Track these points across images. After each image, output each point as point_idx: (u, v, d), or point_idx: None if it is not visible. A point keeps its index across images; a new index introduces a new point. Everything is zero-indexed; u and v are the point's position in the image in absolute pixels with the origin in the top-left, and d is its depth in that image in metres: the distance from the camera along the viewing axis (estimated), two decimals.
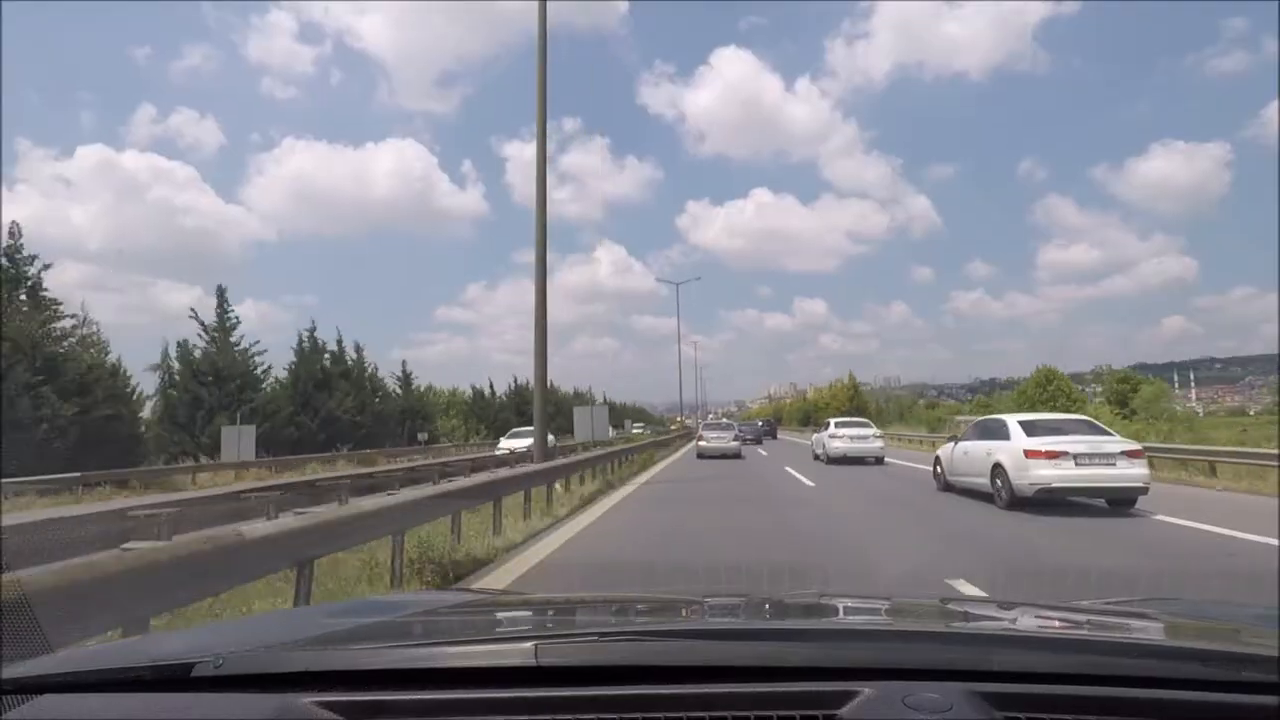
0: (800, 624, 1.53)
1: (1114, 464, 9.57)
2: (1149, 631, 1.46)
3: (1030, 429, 10.40)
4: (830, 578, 5.97)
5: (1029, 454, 9.83)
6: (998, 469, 10.41)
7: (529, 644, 1.05)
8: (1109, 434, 10.47)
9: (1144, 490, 9.61)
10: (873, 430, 21.54)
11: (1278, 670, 0.98)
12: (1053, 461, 9.62)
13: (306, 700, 0.96)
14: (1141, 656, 1.09)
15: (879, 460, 20.54)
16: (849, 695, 0.94)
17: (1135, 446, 9.89)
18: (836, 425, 21.87)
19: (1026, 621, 1.59)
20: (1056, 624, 1.56)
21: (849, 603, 1.91)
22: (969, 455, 11.55)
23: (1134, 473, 9.56)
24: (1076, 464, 9.57)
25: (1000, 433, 10.83)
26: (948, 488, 12.50)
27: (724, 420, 32.94)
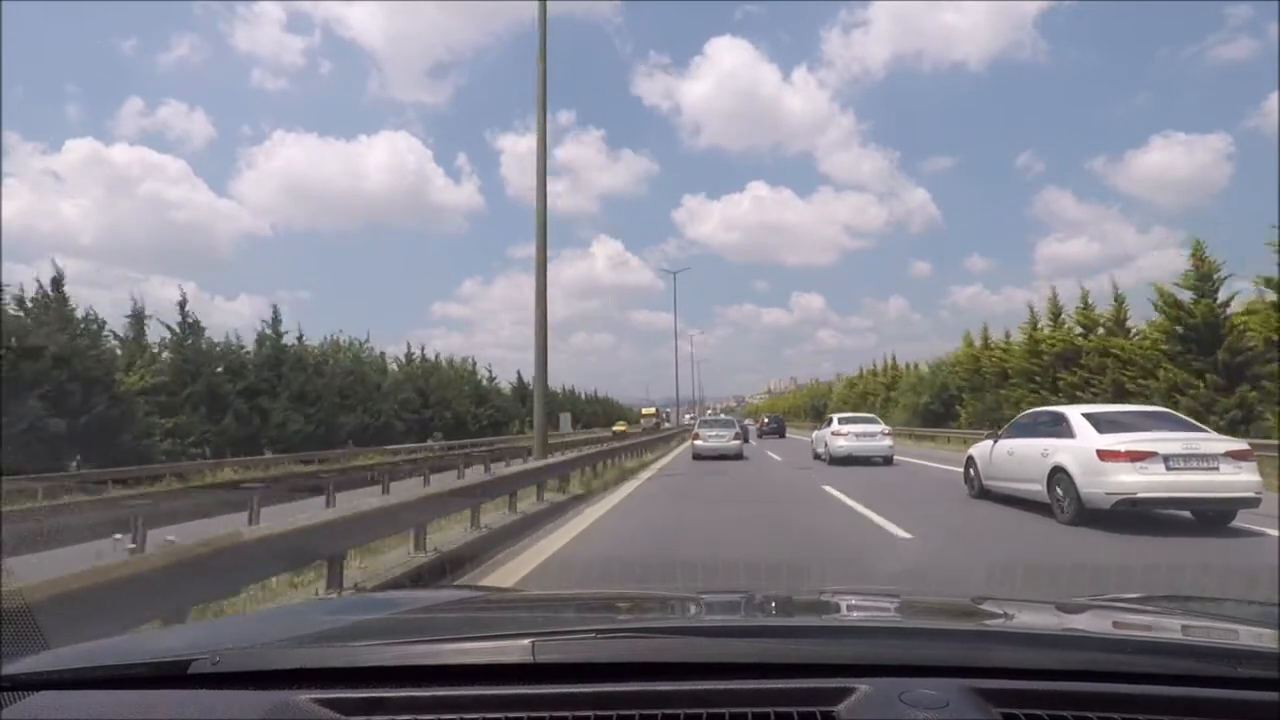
0: (798, 620, 1.54)
1: (1216, 468, 7.43)
2: (1146, 627, 1.45)
3: (1100, 423, 8.26)
4: (828, 574, 5.79)
5: (1103, 455, 7.68)
6: (1059, 474, 8.26)
7: (526, 641, 1.03)
8: (1202, 429, 8.33)
9: (1256, 502, 7.48)
10: (880, 427, 19.36)
11: (1276, 666, 0.98)
12: (1137, 465, 7.48)
13: (304, 697, 0.95)
14: (1138, 652, 1.07)
15: (887, 460, 18.43)
16: (846, 691, 0.93)
17: (1241, 446, 7.75)
18: (840, 421, 19.68)
19: (1023, 618, 1.56)
20: (1053, 620, 1.54)
21: (846, 599, 1.84)
22: (1015, 456, 9.41)
23: (1242, 479, 7.42)
24: (1168, 468, 7.43)
25: (1060, 428, 8.68)
26: (984, 494, 10.38)
27: (722, 416, 29.85)
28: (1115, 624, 1.47)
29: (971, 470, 10.83)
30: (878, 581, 5.52)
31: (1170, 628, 1.44)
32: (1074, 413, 8.76)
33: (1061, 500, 8.19)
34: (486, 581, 5.60)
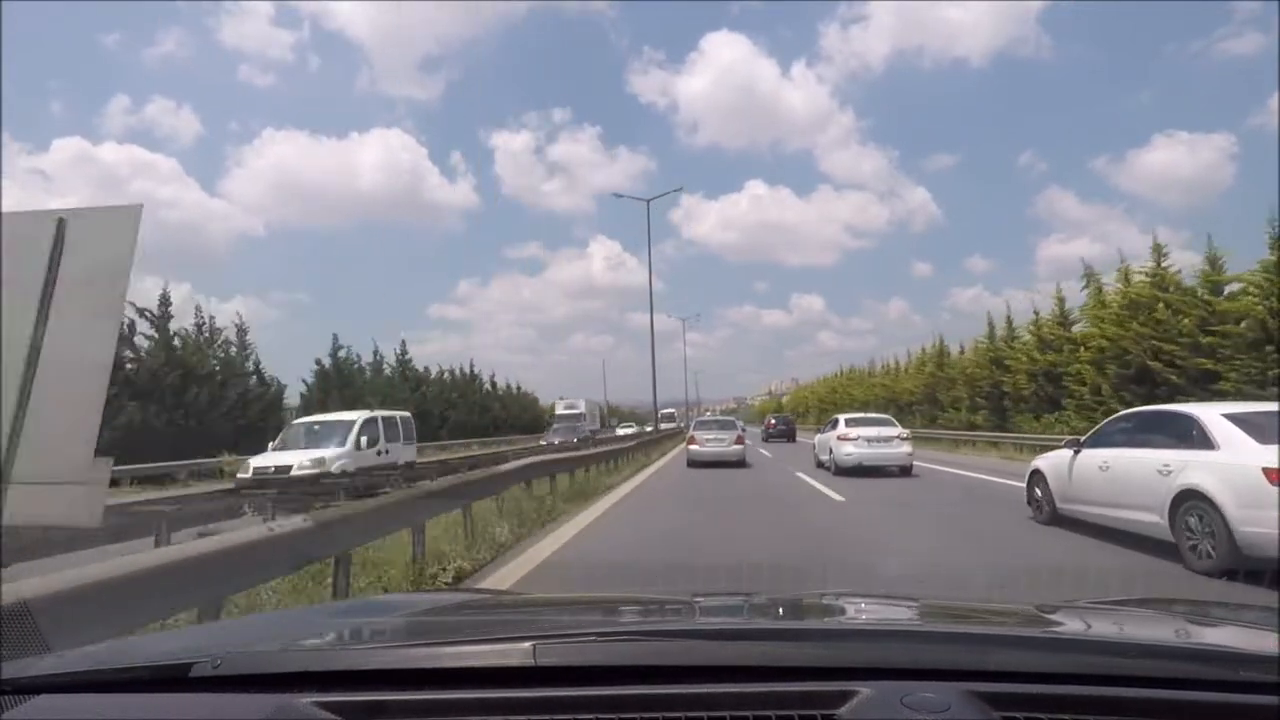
0: (799, 624, 1.54)
1: None
2: (1147, 631, 1.45)
3: (1256, 429, 5.74)
4: (829, 577, 5.64)
5: (1276, 477, 5.17)
6: (1193, 502, 5.76)
7: (528, 644, 1.03)
8: None
9: None
10: (896, 431, 16.65)
11: (1277, 670, 0.97)
12: None
13: (305, 700, 0.95)
14: (1139, 656, 1.07)
15: (905, 471, 15.85)
16: (847, 695, 0.92)
17: None
18: (848, 424, 16.90)
19: (1024, 621, 1.53)
20: (1054, 623, 1.50)
21: (848, 602, 1.84)
22: (1112, 472, 6.90)
23: None
24: None
25: (1189, 436, 6.15)
26: (1055, 520, 7.89)
27: (720, 417, 26.50)
28: (1117, 628, 1.45)
29: (1039, 488, 8.31)
30: (879, 584, 5.48)
31: (1171, 631, 1.44)
32: (1210, 413, 6.22)
33: (1197, 540, 5.68)
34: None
